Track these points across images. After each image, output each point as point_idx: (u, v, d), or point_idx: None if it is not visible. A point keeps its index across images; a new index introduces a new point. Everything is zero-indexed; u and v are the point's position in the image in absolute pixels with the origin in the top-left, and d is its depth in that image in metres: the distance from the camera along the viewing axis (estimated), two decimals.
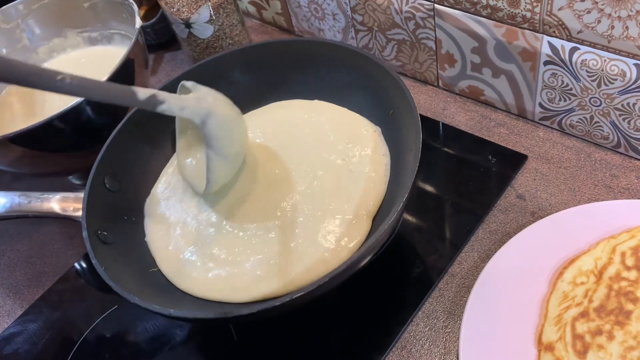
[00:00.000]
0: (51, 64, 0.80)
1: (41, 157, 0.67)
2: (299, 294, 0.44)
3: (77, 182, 0.79)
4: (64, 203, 0.57)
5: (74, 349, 0.62)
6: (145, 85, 0.75)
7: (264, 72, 0.66)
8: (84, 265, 0.70)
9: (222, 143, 0.52)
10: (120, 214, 0.59)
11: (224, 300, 0.53)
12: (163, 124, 0.63)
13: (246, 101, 0.64)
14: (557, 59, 0.61)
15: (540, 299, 0.56)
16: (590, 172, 0.65)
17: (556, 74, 0.63)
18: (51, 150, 0.67)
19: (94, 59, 0.79)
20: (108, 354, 0.61)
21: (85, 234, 0.52)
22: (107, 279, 0.48)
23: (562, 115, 0.66)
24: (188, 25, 0.82)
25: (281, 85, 0.66)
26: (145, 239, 0.59)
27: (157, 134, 0.65)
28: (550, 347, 0.51)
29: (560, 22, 0.58)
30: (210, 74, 0.63)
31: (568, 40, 0.59)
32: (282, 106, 0.67)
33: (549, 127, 0.69)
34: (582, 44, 0.58)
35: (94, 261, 0.50)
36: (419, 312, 0.58)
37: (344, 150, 0.60)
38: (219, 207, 0.58)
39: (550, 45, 0.61)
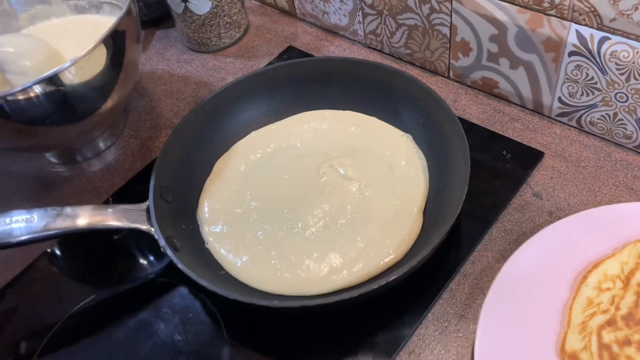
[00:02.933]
0: (33, 31, 0.74)
1: (15, 129, 0.61)
2: (381, 284, 0.48)
3: (55, 160, 0.73)
4: (120, 215, 0.56)
5: (46, 339, 0.56)
6: (135, 62, 0.69)
7: (293, 86, 0.69)
8: (57, 252, 0.64)
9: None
10: (179, 222, 0.58)
11: (299, 294, 0.54)
12: (206, 135, 0.66)
13: (276, 111, 0.69)
14: (584, 50, 0.57)
15: (561, 304, 0.51)
16: (610, 173, 0.61)
17: (581, 66, 0.59)
18: (27, 122, 0.61)
19: (80, 27, 0.73)
20: (84, 347, 0.55)
21: (162, 242, 0.53)
22: (207, 283, 0.50)
23: (583, 111, 0.63)
24: None
25: (307, 98, 0.69)
26: (207, 246, 0.59)
27: (199, 145, 0.65)
28: (574, 357, 0.47)
29: (592, 9, 0.54)
30: (248, 89, 0.68)
31: (598, 29, 0.55)
32: (317, 116, 0.69)
33: (567, 124, 0.66)
34: (614, 33, 0.54)
35: (183, 268, 0.51)
36: (429, 314, 0.54)
37: (388, 157, 0.63)
38: (278, 209, 0.60)
39: (578, 34, 0.57)
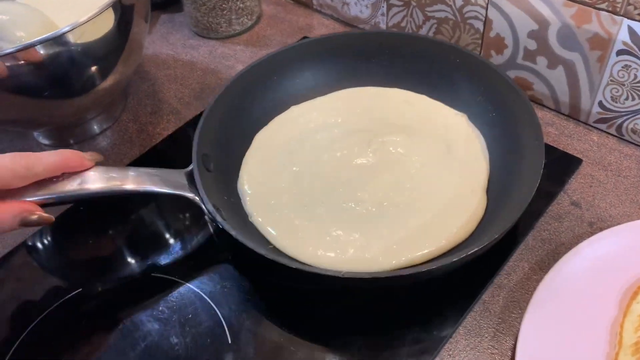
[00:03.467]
0: (28, 1, 0.68)
1: (4, 99, 0.55)
2: (454, 260, 0.44)
3: (46, 141, 0.67)
4: (152, 179, 0.50)
5: (21, 337, 0.49)
6: (140, 41, 0.64)
7: (337, 60, 0.64)
8: (37, 242, 0.57)
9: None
10: (220, 193, 0.53)
11: (356, 270, 0.47)
12: (247, 106, 0.61)
13: (318, 86, 0.64)
14: (636, 48, 0.53)
15: (609, 323, 0.46)
16: None
17: (629, 66, 0.55)
18: (18, 91, 0.54)
19: None
20: (66, 347, 0.48)
21: (211, 208, 0.48)
22: (266, 252, 0.45)
23: (625, 117, 0.58)
24: None
25: (351, 74, 0.64)
26: (250, 219, 0.54)
27: (239, 116, 0.60)
28: None
29: None
30: (290, 60, 0.64)
31: None
32: (362, 93, 0.64)
33: (605, 131, 0.61)
34: None
35: (237, 235, 0.46)
36: (460, 328, 0.48)
37: (443, 135, 0.59)
38: (327, 184, 0.55)
39: (630, 30, 0.52)
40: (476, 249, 0.44)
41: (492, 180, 0.55)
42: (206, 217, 0.48)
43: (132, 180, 0.49)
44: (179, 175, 0.51)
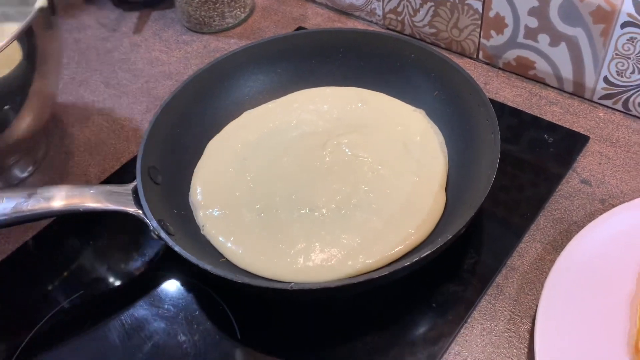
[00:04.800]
0: None
1: None
2: (406, 264, 0.42)
3: None
4: (103, 196, 0.49)
5: (25, 341, 0.48)
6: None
7: (290, 62, 0.63)
8: (37, 242, 0.56)
9: None
10: (170, 207, 0.51)
11: (311, 281, 0.46)
12: (196, 113, 0.59)
13: (273, 89, 0.62)
14: None
15: (628, 299, 0.45)
16: None
17: (635, 38, 0.53)
18: None
19: None
20: (71, 349, 0.47)
21: (155, 224, 0.46)
22: (211, 268, 0.43)
23: (632, 91, 0.57)
24: None
25: (305, 74, 0.62)
26: (202, 232, 0.52)
27: (189, 124, 0.58)
28: None
29: None
30: (241, 63, 0.61)
31: None
32: (318, 93, 0.62)
33: (611, 107, 0.60)
34: None
35: (181, 251, 0.44)
36: (475, 313, 0.47)
37: (400, 133, 0.57)
38: (281, 191, 0.54)
39: (635, 1, 0.51)
40: (429, 252, 0.42)
41: (451, 176, 0.53)
42: (152, 233, 0.47)
43: (63, 199, 0.47)
44: (123, 191, 0.49)
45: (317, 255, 0.48)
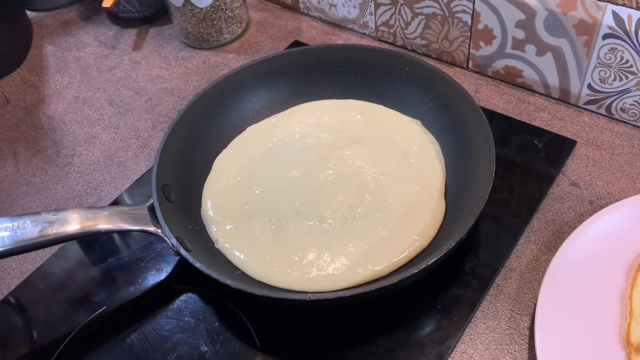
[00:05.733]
0: None
1: None
2: (420, 267, 0.44)
3: None
4: (118, 217, 0.51)
5: (53, 357, 0.50)
6: None
7: (290, 77, 0.66)
8: (55, 262, 0.58)
9: None
10: (184, 223, 0.54)
11: (325, 290, 0.50)
12: (203, 130, 0.61)
13: (275, 104, 0.65)
14: (620, 31, 0.55)
15: (618, 294, 0.49)
16: None
17: (615, 49, 0.57)
18: None
19: None
20: None
21: (174, 242, 0.49)
22: (232, 282, 0.46)
23: (614, 97, 0.61)
24: None
25: (306, 89, 0.65)
26: (216, 246, 0.54)
27: (197, 141, 0.61)
28: None
29: None
30: (244, 80, 0.64)
31: (638, 8, 0.53)
32: (318, 106, 0.65)
33: (595, 112, 0.64)
34: None
35: (202, 267, 0.47)
36: (477, 313, 0.50)
37: (399, 143, 0.60)
38: (289, 203, 0.56)
39: (615, 15, 0.55)
40: (435, 259, 0.45)
41: (449, 184, 0.56)
42: (171, 250, 0.49)
43: (86, 222, 0.50)
44: (140, 211, 0.52)
45: (328, 264, 0.51)
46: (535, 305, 0.49)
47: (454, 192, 0.56)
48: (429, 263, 0.45)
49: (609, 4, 0.54)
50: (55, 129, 0.72)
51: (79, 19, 0.88)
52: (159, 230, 0.50)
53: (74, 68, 0.80)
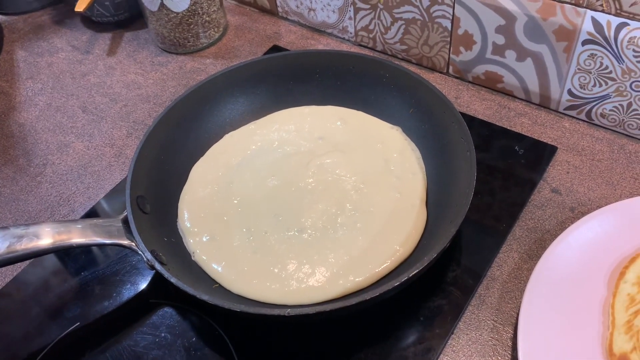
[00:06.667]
0: None
1: None
2: (401, 280, 0.43)
3: None
4: (92, 230, 0.49)
5: None
6: None
7: (268, 83, 0.64)
8: (27, 276, 0.56)
9: None
10: (159, 235, 0.52)
11: (305, 303, 0.49)
12: (179, 139, 0.60)
13: (253, 110, 0.64)
14: (600, 38, 0.55)
15: (600, 303, 0.48)
16: (626, 165, 0.59)
17: (595, 54, 0.57)
18: None
19: None
20: None
21: (149, 256, 0.47)
22: (209, 298, 0.44)
23: (594, 103, 0.61)
24: None
25: (284, 95, 0.64)
26: (193, 258, 0.53)
27: (173, 150, 0.59)
28: (625, 359, 0.44)
29: None
30: (221, 87, 0.63)
31: (617, 15, 0.53)
32: (297, 113, 0.64)
33: (575, 117, 0.63)
34: (632, 18, 0.52)
35: (178, 283, 0.45)
36: (460, 324, 0.49)
37: (380, 150, 0.59)
38: (269, 213, 0.55)
39: (594, 21, 0.55)
40: (416, 271, 0.44)
41: (430, 192, 0.56)
42: (145, 264, 0.48)
43: (54, 236, 0.48)
44: (113, 224, 0.50)
45: (308, 276, 0.50)
46: (517, 315, 0.48)
47: (435, 200, 0.55)
48: (411, 275, 0.44)
49: (588, 10, 0.54)
50: (27, 138, 0.70)
51: (51, 23, 0.86)
52: (133, 244, 0.49)
53: (46, 74, 0.78)
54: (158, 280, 0.54)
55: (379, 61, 0.61)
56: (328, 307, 0.44)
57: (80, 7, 0.75)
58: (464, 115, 0.64)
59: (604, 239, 0.52)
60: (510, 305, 0.50)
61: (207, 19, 0.76)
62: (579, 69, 0.59)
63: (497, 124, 0.64)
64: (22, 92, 0.76)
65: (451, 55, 0.67)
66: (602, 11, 0.54)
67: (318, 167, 0.58)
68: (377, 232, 0.53)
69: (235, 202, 0.56)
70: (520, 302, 0.48)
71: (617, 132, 0.62)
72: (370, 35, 0.73)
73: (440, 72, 0.70)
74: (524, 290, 0.48)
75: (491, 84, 0.67)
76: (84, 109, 0.72)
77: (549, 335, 0.46)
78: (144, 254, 0.48)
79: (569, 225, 0.53)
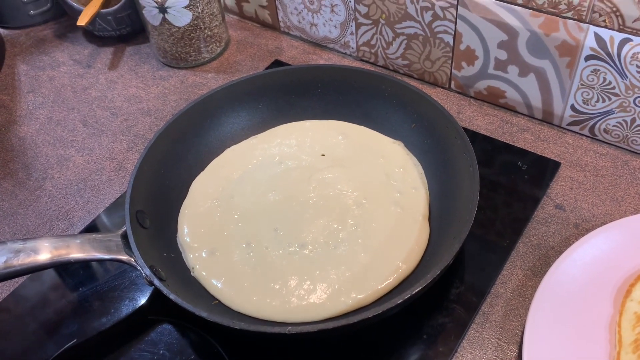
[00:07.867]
0: None
1: None
2: (404, 297, 0.43)
3: None
4: (90, 245, 0.49)
5: None
6: None
7: (270, 98, 0.64)
8: (25, 291, 0.55)
9: None
10: (159, 250, 0.52)
11: (306, 321, 0.48)
12: (180, 153, 0.60)
13: (255, 125, 0.64)
14: (603, 53, 0.55)
15: (607, 322, 0.47)
16: (631, 181, 0.58)
17: (598, 70, 0.57)
18: None
19: None
20: None
21: (148, 272, 0.46)
22: (208, 315, 0.44)
23: (597, 118, 0.60)
24: (163, 9, 0.71)
25: (286, 109, 0.64)
26: (193, 274, 0.52)
27: (173, 165, 0.59)
28: None
29: (614, 9, 0.52)
30: (222, 101, 0.63)
31: (619, 30, 0.53)
32: (298, 127, 0.64)
33: (578, 133, 0.63)
34: (636, 34, 0.52)
35: (177, 300, 0.44)
36: (463, 342, 0.48)
37: (382, 165, 0.59)
38: (269, 228, 0.54)
39: (597, 36, 0.54)
40: (419, 288, 0.43)
41: (433, 207, 0.55)
42: (144, 279, 0.47)
43: (53, 251, 0.47)
44: (112, 239, 0.49)
45: (309, 293, 0.49)
46: (522, 333, 0.47)
47: (438, 216, 0.54)
48: (414, 292, 0.43)
49: (591, 26, 0.54)
50: (27, 151, 0.69)
51: (53, 37, 0.86)
52: (132, 259, 0.48)
53: (47, 87, 0.78)
54: (157, 296, 0.53)
55: (380, 76, 0.61)
56: (330, 325, 0.43)
57: (82, 21, 0.75)
58: (466, 130, 0.63)
59: (610, 256, 0.51)
60: (515, 323, 0.49)
61: (209, 33, 0.76)
62: (582, 84, 0.59)
63: (500, 139, 0.63)
64: (23, 106, 0.75)
65: (453, 70, 0.67)
66: (605, 27, 0.53)
67: (319, 182, 0.57)
68: (379, 248, 0.52)
69: (236, 216, 0.56)
70: (525, 320, 0.47)
71: (620, 147, 0.61)
72: (372, 51, 0.73)
73: (442, 87, 0.70)
74: (528, 308, 0.48)
75: (493, 99, 0.67)
76: (84, 122, 0.72)
77: (554, 354, 0.45)
78: (142, 269, 0.47)
79: (573, 242, 0.52)
